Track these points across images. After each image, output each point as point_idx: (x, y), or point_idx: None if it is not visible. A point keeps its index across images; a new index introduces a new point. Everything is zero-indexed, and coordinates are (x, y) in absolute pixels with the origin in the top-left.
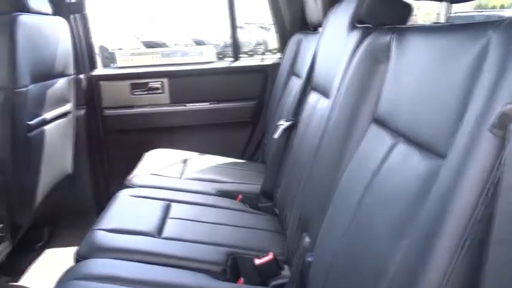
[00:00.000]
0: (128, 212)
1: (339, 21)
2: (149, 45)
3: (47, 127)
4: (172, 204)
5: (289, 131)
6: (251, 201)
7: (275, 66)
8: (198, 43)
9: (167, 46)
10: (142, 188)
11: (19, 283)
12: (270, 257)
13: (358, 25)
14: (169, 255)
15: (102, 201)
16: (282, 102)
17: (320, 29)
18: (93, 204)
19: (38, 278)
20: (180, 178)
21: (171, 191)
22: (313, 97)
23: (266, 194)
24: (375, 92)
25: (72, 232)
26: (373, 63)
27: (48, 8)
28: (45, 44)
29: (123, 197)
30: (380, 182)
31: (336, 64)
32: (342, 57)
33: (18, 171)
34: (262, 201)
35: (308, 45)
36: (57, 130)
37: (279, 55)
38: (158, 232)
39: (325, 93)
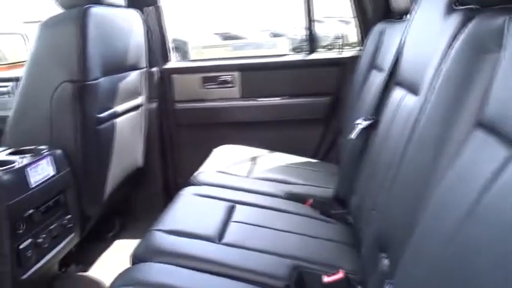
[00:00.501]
0: (189, 212)
1: (432, 4)
2: (225, 37)
3: (117, 120)
4: (237, 205)
5: (368, 131)
6: (322, 207)
7: (354, 59)
8: (276, 36)
9: (243, 38)
10: (207, 187)
11: (88, 273)
12: (340, 275)
13: (457, 7)
14: (228, 264)
15: (171, 195)
16: (360, 98)
17: (408, 16)
18: (163, 198)
19: (106, 269)
20: (248, 177)
21: (237, 191)
22: (397, 93)
23: (339, 200)
24: (480, 88)
25: (142, 224)
26: (479, 53)
27: (121, 1)
28: (118, 36)
29: (186, 195)
30: (489, 204)
31: (427, 55)
32: (436, 46)
33: (87, 164)
34: (334, 208)
35: (392, 35)
36: (128, 123)
37: (358, 48)
38: (219, 237)
39: (412, 89)
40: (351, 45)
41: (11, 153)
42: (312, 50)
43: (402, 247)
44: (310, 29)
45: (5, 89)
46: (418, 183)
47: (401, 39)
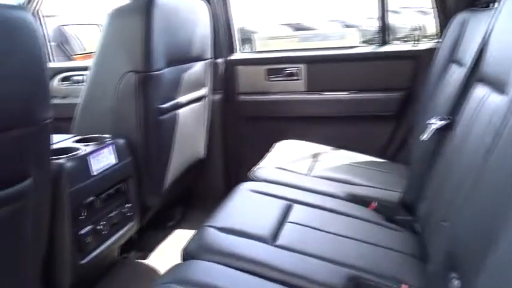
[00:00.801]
0: (244, 209)
1: None
2: (294, 28)
3: (180, 111)
4: (294, 205)
5: (443, 132)
6: (387, 212)
7: (430, 52)
8: (347, 27)
9: (313, 29)
10: (264, 183)
11: (146, 260)
12: None
13: None
14: (279, 268)
15: (231, 187)
16: (436, 95)
17: (495, 5)
18: (223, 190)
19: (164, 258)
20: (307, 175)
21: (295, 189)
22: (479, 91)
23: (406, 205)
24: None
25: (202, 215)
26: None
27: None
28: (184, 27)
29: (243, 191)
30: None
31: None
32: None
33: (148, 154)
34: (400, 214)
35: (476, 25)
36: (191, 114)
37: (436, 40)
38: (273, 238)
39: (498, 87)
40: (428, 37)
41: (76, 141)
42: (385, 42)
43: (478, 268)
44: (383, 19)
45: (81, 78)
46: (502, 195)
47: (486, 30)
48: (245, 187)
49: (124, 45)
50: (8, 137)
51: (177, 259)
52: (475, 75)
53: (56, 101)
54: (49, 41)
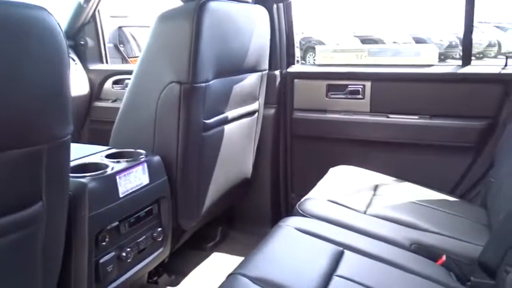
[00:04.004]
0: (286, 254)
1: None
2: (362, 40)
3: (227, 126)
4: (346, 252)
5: None
6: (459, 270)
7: None
8: (418, 41)
9: (383, 42)
10: (313, 220)
11: (179, 286)
12: None
13: None
14: None
15: (279, 210)
16: None
17: None
18: (269, 212)
19: (200, 284)
20: (365, 213)
21: (349, 231)
22: None
23: (485, 267)
24: None
25: (244, 238)
26: None
27: None
28: (238, 35)
29: (286, 229)
30: None
31: None
32: None
33: (187, 173)
34: (477, 275)
35: None
36: (239, 130)
37: None
38: None
39: None
40: (505, 54)
41: (107, 156)
42: (467, 61)
43: None
44: (468, 35)
45: None
46: None
47: None
48: (290, 223)
49: (169, 53)
50: (14, 156)
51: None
52: None
53: (106, 104)
54: (107, 42)
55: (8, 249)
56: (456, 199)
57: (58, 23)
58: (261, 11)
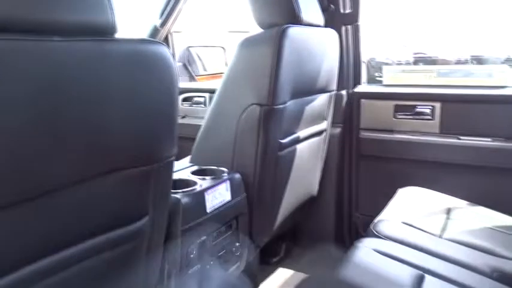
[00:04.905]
0: (369, 277)
1: None
2: (422, 60)
3: (298, 146)
4: (427, 277)
5: None
6: None
7: None
8: (479, 60)
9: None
10: (390, 242)
11: None
12: None
13: None
14: None
15: (342, 229)
16: None
17: None
18: (333, 231)
19: None
20: (441, 237)
21: (428, 254)
22: None
23: None
24: None
25: (308, 254)
26: None
27: (320, 20)
28: (312, 58)
29: (365, 250)
30: None
31: None
32: None
33: (263, 190)
34: None
35: None
36: (309, 149)
37: None
38: None
39: None
40: None
41: (192, 172)
42: None
43: None
44: None
45: (201, 99)
46: None
47: None
48: (368, 245)
49: (251, 76)
50: (129, 174)
51: None
52: None
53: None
54: (177, 61)
55: (116, 260)
56: None
57: (173, 57)
58: (331, 34)
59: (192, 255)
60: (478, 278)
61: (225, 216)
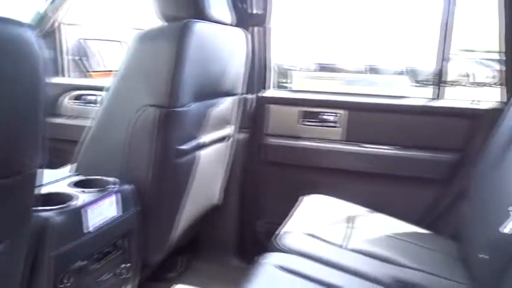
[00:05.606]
0: None
1: None
2: (326, 68)
3: (201, 152)
4: None
5: None
6: None
7: (494, 113)
8: (374, 70)
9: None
10: (293, 256)
11: None
12: None
13: None
14: None
15: (245, 239)
16: (505, 167)
17: None
18: (236, 241)
19: None
20: (344, 248)
21: (332, 268)
22: None
23: None
24: None
25: (208, 266)
26: None
27: (229, 18)
28: (218, 57)
29: (268, 267)
30: None
31: None
32: None
33: (159, 202)
34: None
35: None
36: (211, 156)
37: (499, 100)
38: None
39: None
40: (479, 84)
41: (74, 183)
42: (439, 94)
43: None
44: (440, 70)
45: (94, 98)
46: None
47: None
48: (271, 260)
49: (148, 74)
50: None
51: None
52: None
53: (63, 120)
54: (66, 54)
55: None
56: (427, 231)
57: (38, 40)
58: (240, 34)
59: (67, 285)
60: None
61: (111, 235)
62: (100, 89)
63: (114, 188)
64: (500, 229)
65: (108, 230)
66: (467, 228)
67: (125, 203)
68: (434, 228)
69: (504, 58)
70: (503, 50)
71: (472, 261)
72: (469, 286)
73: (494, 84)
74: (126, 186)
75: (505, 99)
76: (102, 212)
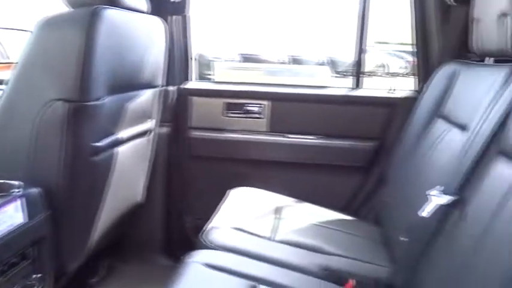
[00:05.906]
0: None
1: None
2: (249, 58)
3: (120, 148)
4: (260, 287)
5: (447, 208)
6: None
7: (408, 101)
8: (296, 61)
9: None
10: (221, 253)
11: None
12: None
13: None
14: None
15: (172, 236)
16: (420, 154)
17: (489, 60)
18: (162, 239)
19: None
20: (272, 239)
21: (260, 262)
22: (501, 167)
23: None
24: None
25: (133, 269)
26: None
27: (144, 5)
28: (134, 47)
29: (195, 267)
30: None
31: None
32: None
33: (73, 206)
34: None
35: (473, 81)
36: (131, 152)
37: (413, 89)
38: None
39: None
40: (393, 74)
41: None
42: (358, 84)
43: None
44: (359, 61)
45: None
46: None
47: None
48: (198, 259)
49: (54, 65)
50: None
51: None
52: (494, 145)
53: None
54: None
55: None
56: (351, 218)
57: None
58: (157, 23)
59: None
60: (306, 278)
61: (17, 244)
62: (0, 82)
63: (18, 192)
64: (419, 213)
65: (13, 238)
66: (388, 213)
67: (31, 208)
68: (358, 214)
69: (415, 50)
70: (415, 42)
71: (393, 245)
72: (390, 268)
73: (407, 74)
74: (33, 190)
75: (417, 88)
76: (6, 219)
